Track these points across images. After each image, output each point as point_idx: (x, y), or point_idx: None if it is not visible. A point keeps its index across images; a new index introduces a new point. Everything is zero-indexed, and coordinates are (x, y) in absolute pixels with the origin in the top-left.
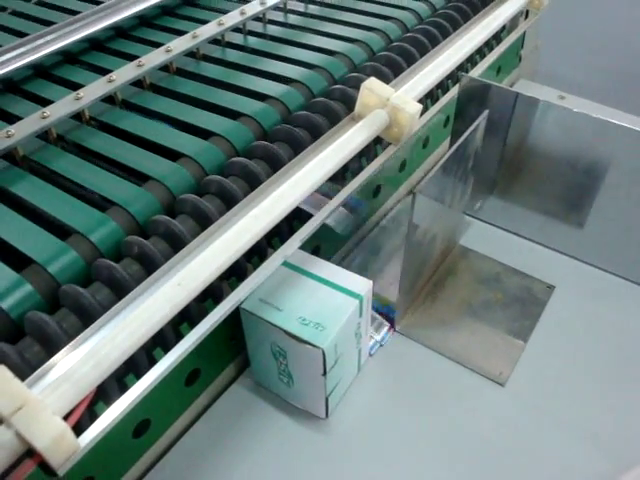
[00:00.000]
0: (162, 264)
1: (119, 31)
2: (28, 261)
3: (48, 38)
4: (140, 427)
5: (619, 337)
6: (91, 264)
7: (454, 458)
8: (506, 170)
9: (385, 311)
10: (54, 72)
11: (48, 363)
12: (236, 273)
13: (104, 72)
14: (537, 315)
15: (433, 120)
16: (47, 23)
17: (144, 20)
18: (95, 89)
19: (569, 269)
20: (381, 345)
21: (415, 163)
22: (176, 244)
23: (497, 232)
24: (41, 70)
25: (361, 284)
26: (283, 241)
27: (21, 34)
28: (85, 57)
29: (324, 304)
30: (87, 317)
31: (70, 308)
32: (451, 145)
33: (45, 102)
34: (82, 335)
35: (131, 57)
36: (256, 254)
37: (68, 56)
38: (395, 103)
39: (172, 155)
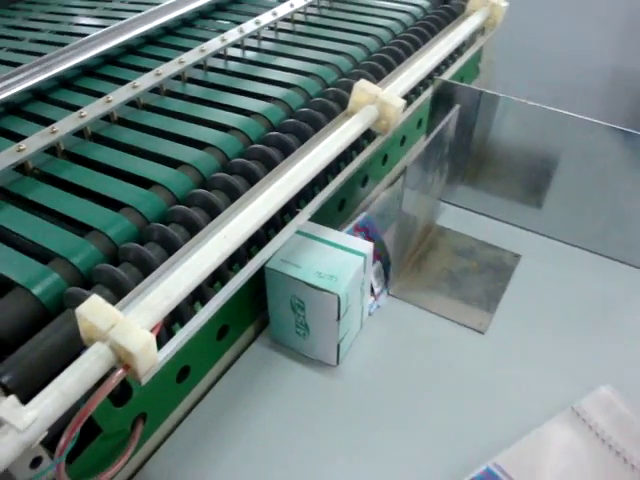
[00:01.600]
0: (203, 227)
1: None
2: (87, 228)
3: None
4: (181, 373)
5: (573, 292)
6: (142, 229)
7: (445, 392)
8: (474, 160)
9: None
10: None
11: (123, 300)
12: (257, 242)
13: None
14: (507, 278)
15: (410, 119)
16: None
17: (110, 59)
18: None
19: (531, 241)
20: (378, 306)
21: (395, 159)
22: (213, 213)
23: (469, 214)
24: None
25: (364, 245)
26: (293, 216)
27: None
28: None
29: (335, 261)
30: (147, 268)
31: (132, 262)
32: (427, 139)
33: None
34: (146, 280)
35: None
36: (272, 227)
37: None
38: (383, 99)
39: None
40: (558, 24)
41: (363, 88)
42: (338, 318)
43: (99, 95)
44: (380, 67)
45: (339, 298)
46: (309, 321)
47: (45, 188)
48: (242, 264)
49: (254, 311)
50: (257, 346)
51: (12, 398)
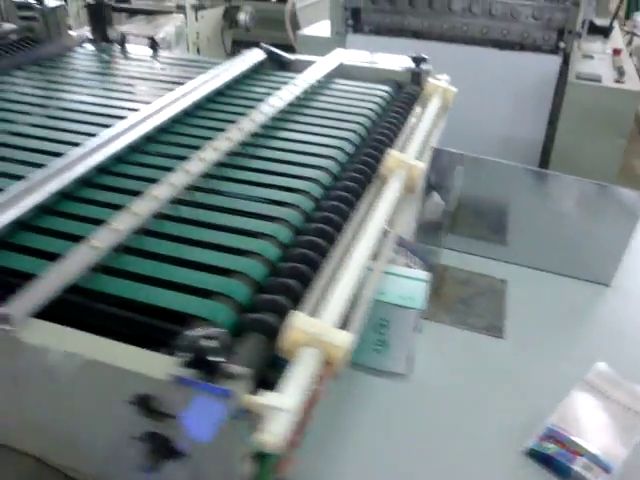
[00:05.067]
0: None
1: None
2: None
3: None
4: None
5: (549, 304)
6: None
7: (480, 378)
8: (455, 213)
9: None
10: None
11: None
12: None
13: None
14: (502, 296)
15: None
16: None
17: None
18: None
19: (510, 269)
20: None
21: None
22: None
23: (460, 254)
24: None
25: (422, 274)
26: None
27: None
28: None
29: (407, 286)
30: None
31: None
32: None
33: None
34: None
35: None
36: None
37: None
38: (410, 162)
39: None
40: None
41: (397, 157)
42: (414, 329)
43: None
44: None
45: (418, 312)
46: (390, 337)
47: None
48: None
49: None
50: None
51: (273, 393)
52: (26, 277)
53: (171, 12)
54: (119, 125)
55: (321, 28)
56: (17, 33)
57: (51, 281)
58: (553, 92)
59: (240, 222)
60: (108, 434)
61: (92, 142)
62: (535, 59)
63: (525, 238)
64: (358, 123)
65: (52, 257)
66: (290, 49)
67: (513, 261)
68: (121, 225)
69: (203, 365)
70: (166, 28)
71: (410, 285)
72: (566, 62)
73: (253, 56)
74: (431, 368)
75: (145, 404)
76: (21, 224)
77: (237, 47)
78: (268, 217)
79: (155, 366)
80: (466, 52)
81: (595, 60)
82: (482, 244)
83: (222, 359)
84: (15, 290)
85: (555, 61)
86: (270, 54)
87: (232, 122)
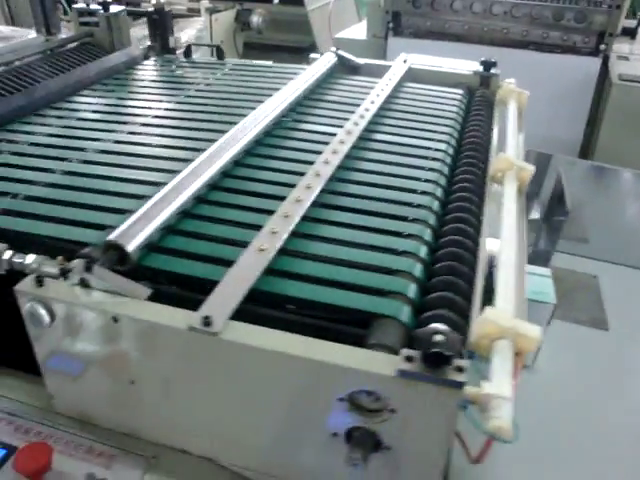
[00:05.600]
0: None
1: None
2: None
3: None
4: None
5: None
6: None
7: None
8: None
9: None
10: None
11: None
12: None
13: None
14: (598, 291)
15: None
16: None
17: None
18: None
19: (598, 265)
20: None
21: None
22: None
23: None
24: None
25: (547, 270)
26: None
27: None
28: None
29: (536, 282)
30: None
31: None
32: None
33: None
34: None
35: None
36: None
37: None
38: (519, 164)
39: None
40: None
41: (502, 157)
42: (548, 323)
43: None
44: None
45: (552, 307)
46: None
47: None
48: None
49: None
50: None
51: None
52: (204, 282)
53: (199, 15)
54: (244, 138)
55: (355, 31)
56: (77, 39)
57: (236, 285)
58: (592, 93)
59: (389, 224)
60: (313, 433)
61: (228, 152)
62: (575, 61)
63: (607, 235)
64: (451, 126)
65: (221, 262)
66: (302, 51)
67: (597, 257)
68: (280, 228)
69: (434, 359)
70: (188, 31)
71: (538, 281)
72: (605, 64)
73: (326, 60)
74: (552, 359)
75: (356, 401)
76: (178, 231)
77: (249, 50)
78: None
79: (376, 363)
80: (506, 54)
81: (631, 61)
82: (565, 242)
83: (452, 353)
84: (200, 295)
85: (595, 63)
86: (341, 58)
87: (338, 126)
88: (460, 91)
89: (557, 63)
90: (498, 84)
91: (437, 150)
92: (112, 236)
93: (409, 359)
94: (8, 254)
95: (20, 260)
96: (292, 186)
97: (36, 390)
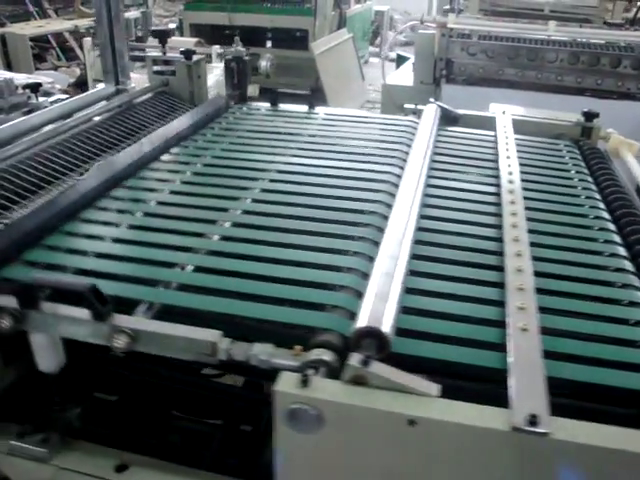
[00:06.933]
0: None
1: None
2: None
3: None
4: None
5: None
6: None
7: None
8: None
9: None
10: None
11: None
12: None
13: None
14: None
15: None
16: None
17: None
18: None
19: None
20: None
21: None
22: None
23: None
24: None
25: None
26: None
27: None
28: None
29: None
30: None
31: None
32: None
33: None
34: None
35: None
36: None
37: None
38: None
39: None
40: None
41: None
42: None
43: None
44: None
45: None
46: None
47: None
48: None
49: None
50: None
51: None
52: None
53: (210, 61)
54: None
55: (400, 77)
56: (153, 89)
57: (531, 374)
58: None
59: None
60: None
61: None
62: (635, 107)
63: None
64: (587, 181)
65: (484, 345)
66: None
67: None
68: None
69: None
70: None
71: None
72: None
73: (432, 113)
74: None
75: None
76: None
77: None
78: None
79: None
80: (560, 101)
81: None
82: None
83: None
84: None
85: None
86: (442, 110)
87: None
88: (567, 142)
89: (614, 108)
90: (599, 135)
91: (592, 207)
92: (367, 322)
93: None
94: (225, 343)
95: (240, 351)
96: (495, 253)
97: None
